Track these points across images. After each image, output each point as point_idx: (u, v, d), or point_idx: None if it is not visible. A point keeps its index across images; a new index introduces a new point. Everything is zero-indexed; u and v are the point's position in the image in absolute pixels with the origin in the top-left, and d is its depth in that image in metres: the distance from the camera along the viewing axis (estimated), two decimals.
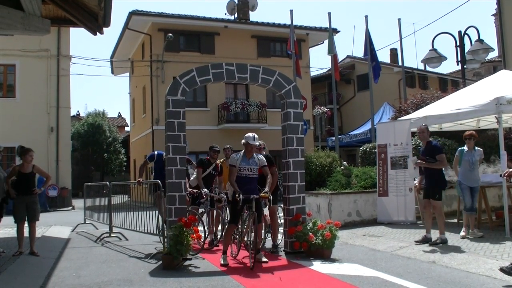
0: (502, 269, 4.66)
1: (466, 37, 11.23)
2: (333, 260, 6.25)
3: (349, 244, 7.52)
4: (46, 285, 5.32)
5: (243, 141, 6.34)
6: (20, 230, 6.98)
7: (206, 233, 7.53)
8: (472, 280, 4.89)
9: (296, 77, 15.70)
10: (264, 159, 6.38)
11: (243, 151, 6.34)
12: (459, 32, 11.28)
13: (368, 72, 17.25)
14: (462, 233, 7.33)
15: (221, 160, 8.69)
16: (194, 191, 7.60)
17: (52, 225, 11.00)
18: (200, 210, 7.94)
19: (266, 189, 6.06)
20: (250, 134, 6.32)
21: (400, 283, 4.92)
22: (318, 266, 5.94)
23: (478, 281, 4.84)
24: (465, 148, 7.57)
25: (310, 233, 6.47)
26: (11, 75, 19.95)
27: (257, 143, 6.39)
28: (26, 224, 7.03)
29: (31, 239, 7.03)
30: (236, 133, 21.12)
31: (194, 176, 8.10)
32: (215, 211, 7.86)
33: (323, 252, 6.40)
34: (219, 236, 7.65)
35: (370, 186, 9.94)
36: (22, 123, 18.97)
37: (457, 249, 6.39)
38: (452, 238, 7.13)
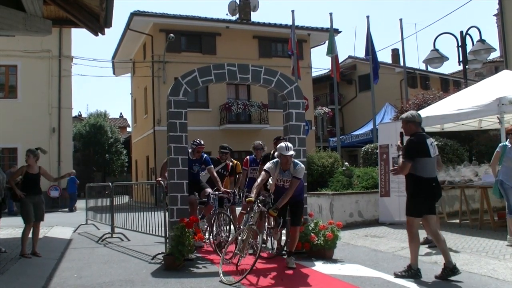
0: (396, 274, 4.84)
1: (467, 37, 11.21)
2: (335, 261, 6.25)
3: (351, 245, 7.51)
4: (48, 285, 5.33)
5: (276, 153, 5.99)
6: (27, 231, 6.89)
7: (213, 234, 7.47)
8: (474, 280, 4.88)
9: (295, 78, 15.65)
10: (299, 171, 5.84)
11: (277, 160, 5.90)
12: (461, 32, 11.26)
13: (369, 72, 17.23)
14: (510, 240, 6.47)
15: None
16: (229, 191, 7.24)
17: (54, 226, 11.00)
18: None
19: (281, 202, 5.68)
20: (283, 144, 5.82)
21: (401, 283, 4.91)
22: (320, 266, 5.94)
23: (480, 282, 4.83)
24: (508, 144, 6.62)
25: (312, 234, 6.46)
26: (13, 76, 20.02)
27: (291, 153, 5.75)
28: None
29: (34, 240, 7.04)
30: (237, 133, 21.18)
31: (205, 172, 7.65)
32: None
33: (325, 253, 6.40)
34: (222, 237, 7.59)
35: (372, 186, 9.93)
36: (24, 123, 19.02)
37: (458, 250, 6.37)
38: (454, 239, 7.11)
